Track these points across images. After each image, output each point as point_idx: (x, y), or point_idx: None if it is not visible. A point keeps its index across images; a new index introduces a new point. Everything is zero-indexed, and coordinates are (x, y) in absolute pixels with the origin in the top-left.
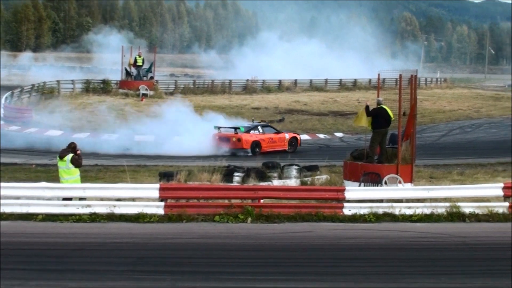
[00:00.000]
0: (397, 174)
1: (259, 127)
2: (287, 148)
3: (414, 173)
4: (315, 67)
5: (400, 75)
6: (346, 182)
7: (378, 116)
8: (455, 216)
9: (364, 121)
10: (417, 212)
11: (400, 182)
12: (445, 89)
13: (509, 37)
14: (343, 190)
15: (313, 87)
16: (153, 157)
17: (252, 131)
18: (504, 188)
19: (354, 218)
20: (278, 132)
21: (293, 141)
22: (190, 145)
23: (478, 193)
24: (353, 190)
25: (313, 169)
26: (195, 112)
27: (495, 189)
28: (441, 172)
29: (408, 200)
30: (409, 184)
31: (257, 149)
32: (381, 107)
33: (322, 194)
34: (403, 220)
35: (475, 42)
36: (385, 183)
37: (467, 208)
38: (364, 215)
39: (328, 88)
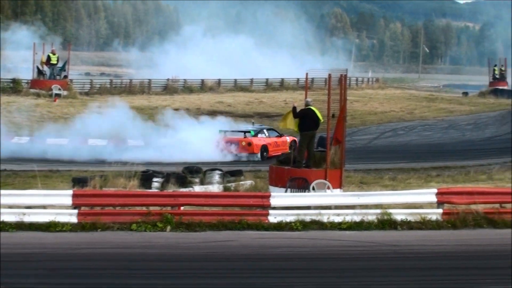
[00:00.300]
0: (325, 180)
1: (264, 130)
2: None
3: (344, 178)
4: (241, 65)
5: (329, 75)
6: (271, 188)
7: (305, 118)
8: (386, 223)
9: (291, 123)
10: (346, 220)
11: (328, 188)
12: (377, 89)
13: (444, 34)
14: (268, 197)
15: (237, 87)
16: (66, 162)
17: (259, 135)
18: (437, 194)
19: (280, 226)
20: (280, 135)
21: (294, 144)
22: (193, 150)
23: (411, 199)
24: (279, 197)
25: (237, 174)
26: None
27: (428, 195)
28: (372, 177)
29: (337, 207)
30: (338, 190)
31: (264, 154)
32: (309, 108)
33: (246, 200)
34: (331, 228)
35: (408, 40)
36: (313, 189)
37: (399, 215)
38: (291, 222)
39: (254, 88)
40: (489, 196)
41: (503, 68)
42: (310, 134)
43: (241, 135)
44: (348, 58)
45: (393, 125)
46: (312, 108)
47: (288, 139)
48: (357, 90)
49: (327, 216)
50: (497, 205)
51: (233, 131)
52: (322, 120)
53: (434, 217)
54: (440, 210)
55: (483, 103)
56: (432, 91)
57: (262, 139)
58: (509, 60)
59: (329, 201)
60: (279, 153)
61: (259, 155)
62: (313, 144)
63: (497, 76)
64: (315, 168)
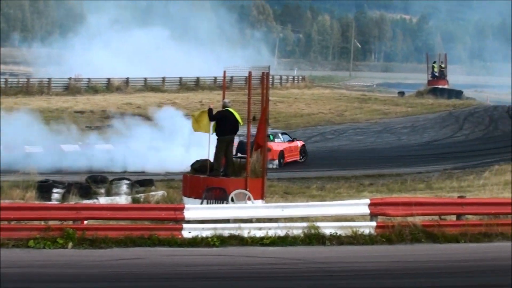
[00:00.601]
0: (246, 190)
1: (279, 134)
2: (298, 158)
3: (266, 188)
4: (152, 62)
5: (250, 72)
6: (186, 199)
7: (223, 121)
8: (313, 238)
9: (205, 126)
10: (269, 234)
11: (249, 199)
12: (303, 89)
13: (377, 28)
14: (182, 209)
15: (148, 86)
16: None
17: (276, 139)
18: (370, 205)
19: (195, 242)
20: (292, 139)
21: (304, 150)
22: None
23: (341, 211)
24: (194, 209)
25: (147, 183)
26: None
27: (360, 206)
28: (297, 187)
29: (258, 220)
30: (260, 201)
31: (281, 160)
32: (227, 110)
33: (157, 213)
34: (253, 243)
35: (338, 34)
36: (232, 200)
37: (327, 229)
38: (207, 238)
39: (166, 88)
40: (428, 207)
41: (442, 65)
42: (228, 139)
43: None
44: (271, 54)
45: (321, 129)
46: (231, 109)
47: (299, 143)
48: (281, 89)
49: (247, 230)
50: (436, 217)
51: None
52: (241, 123)
53: (367, 231)
54: (374, 223)
55: (421, 104)
56: (364, 91)
57: (280, 144)
58: (449, 56)
59: (249, 214)
60: (292, 159)
61: (277, 161)
62: (231, 150)
63: (436, 74)
64: (234, 177)
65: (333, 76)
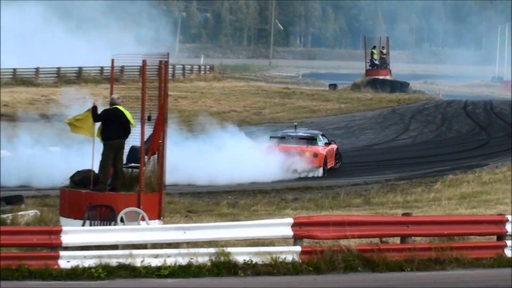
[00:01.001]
0: (139, 207)
1: (320, 136)
2: (334, 163)
3: (165, 205)
4: (23, 48)
5: (144, 62)
6: (64, 220)
7: (111, 122)
8: (223, 267)
9: (90, 129)
10: (168, 263)
11: (143, 219)
12: (211, 81)
13: (303, 6)
14: (58, 232)
15: (17, 79)
16: None
17: (319, 142)
18: (294, 225)
19: (75, 274)
20: (329, 142)
21: (339, 154)
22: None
23: (257, 234)
24: (74, 232)
25: (15, 201)
26: None
27: (281, 227)
28: (204, 203)
29: (155, 245)
30: (157, 221)
31: (325, 167)
32: (116, 108)
33: (28, 238)
34: (147, 274)
35: (255, 14)
36: (122, 220)
37: (241, 255)
38: (90, 268)
39: (41, 81)
40: (365, 227)
41: (384, 51)
42: (117, 144)
43: (303, 143)
44: (172, 39)
45: (233, 131)
46: (120, 107)
47: (334, 147)
48: (184, 82)
49: (141, 259)
50: (376, 240)
51: (287, 136)
52: (134, 125)
53: (289, 258)
54: (298, 248)
55: (358, 99)
56: (287, 83)
57: (323, 148)
58: (392, 40)
59: (143, 238)
60: (329, 166)
61: (321, 169)
62: (121, 157)
63: (376, 62)
64: (125, 192)
65: (248, 66)
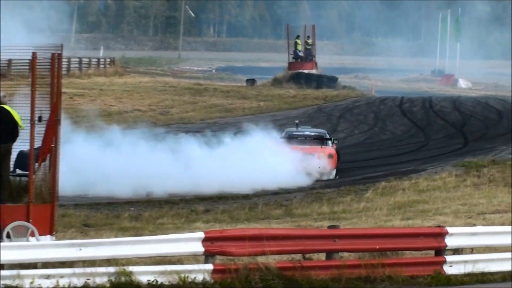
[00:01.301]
0: (28, 221)
1: (327, 135)
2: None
3: (58, 218)
4: None
5: (34, 54)
6: None
7: None
8: None
9: None
10: (61, 284)
11: (32, 235)
12: (112, 76)
13: None
14: None
15: None
16: None
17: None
18: (205, 240)
19: None
20: (332, 141)
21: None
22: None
23: (163, 250)
24: None
25: None
26: None
27: (190, 242)
28: (103, 216)
29: (46, 265)
30: (49, 237)
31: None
32: (2, 107)
33: None
34: None
35: None
36: (8, 236)
37: (144, 275)
38: None
39: None
40: (286, 242)
41: (309, 41)
42: (2, 148)
43: (316, 144)
44: (67, 28)
45: (138, 133)
46: (6, 107)
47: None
48: (81, 78)
49: (30, 280)
50: (299, 256)
51: (298, 135)
52: (22, 127)
53: (200, 277)
54: (210, 266)
55: (279, 96)
56: (199, 78)
57: (333, 148)
58: (319, 29)
59: (33, 256)
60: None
61: (334, 171)
62: (7, 164)
63: (301, 54)
64: (11, 203)
65: (155, 58)
